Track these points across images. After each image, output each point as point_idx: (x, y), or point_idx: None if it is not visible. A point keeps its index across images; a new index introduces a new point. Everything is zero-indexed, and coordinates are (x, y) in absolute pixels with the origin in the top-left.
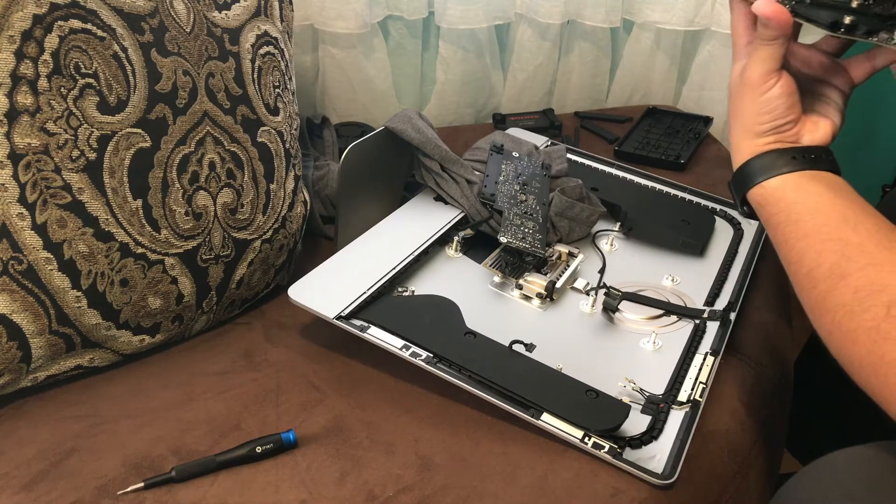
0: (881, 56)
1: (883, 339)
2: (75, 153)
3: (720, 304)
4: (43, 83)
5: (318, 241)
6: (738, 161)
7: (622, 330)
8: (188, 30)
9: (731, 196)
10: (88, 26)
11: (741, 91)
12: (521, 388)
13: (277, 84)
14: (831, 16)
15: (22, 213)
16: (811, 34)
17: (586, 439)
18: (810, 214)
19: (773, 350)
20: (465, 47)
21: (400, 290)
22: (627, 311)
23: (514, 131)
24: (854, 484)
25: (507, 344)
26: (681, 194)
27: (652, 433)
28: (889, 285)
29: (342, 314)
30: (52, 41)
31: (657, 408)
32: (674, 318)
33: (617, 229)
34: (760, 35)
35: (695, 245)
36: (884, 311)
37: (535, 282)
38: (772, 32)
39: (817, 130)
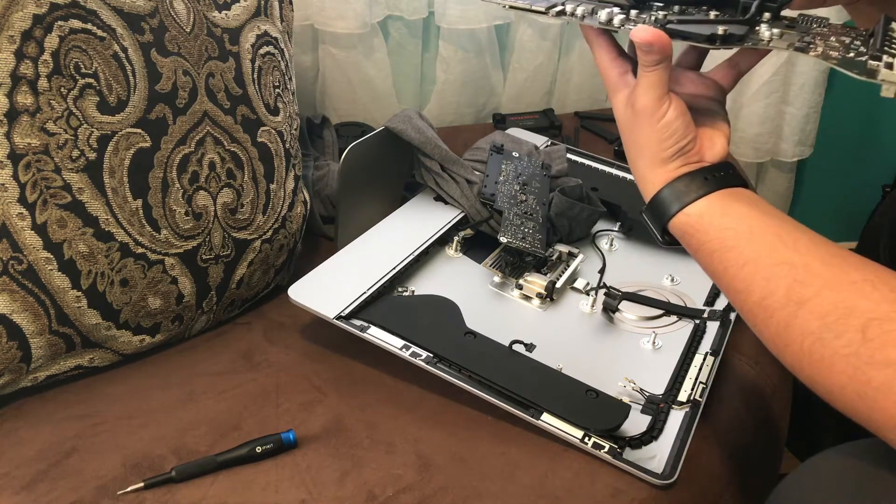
0: (744, 60)
1: (866, 364)
2: (75, 153)
3: (720, 304)
4: (43, 83)
5: (318, 241)
6: (649, 192)
7: (622, 330)
8: (188, 30)
9: (648, 227)
10: (88, 26)
11: (636, 122)
12: (521, 388)
13: (277, 84)
14: (706, 29)
15: (22, 213)
16: None
17: (586, 439)
18: (746, 239)
19: None
20: (465, 47)
21: (400, 290)
22: (627, 311)
23: (514, 131)
24: (850, 480)
25: (507, 344)
26: None
27: (652, 433)
28: (855, 307)
29: (342, 314)
30: (52, 41)
31: (657, 408)
32: (674, 318)
33: (617, 229)
34: (644, 62)
35: None
36: (859, 336)
37: (535, 282)
38: (655, 57)
39: (715, 145)
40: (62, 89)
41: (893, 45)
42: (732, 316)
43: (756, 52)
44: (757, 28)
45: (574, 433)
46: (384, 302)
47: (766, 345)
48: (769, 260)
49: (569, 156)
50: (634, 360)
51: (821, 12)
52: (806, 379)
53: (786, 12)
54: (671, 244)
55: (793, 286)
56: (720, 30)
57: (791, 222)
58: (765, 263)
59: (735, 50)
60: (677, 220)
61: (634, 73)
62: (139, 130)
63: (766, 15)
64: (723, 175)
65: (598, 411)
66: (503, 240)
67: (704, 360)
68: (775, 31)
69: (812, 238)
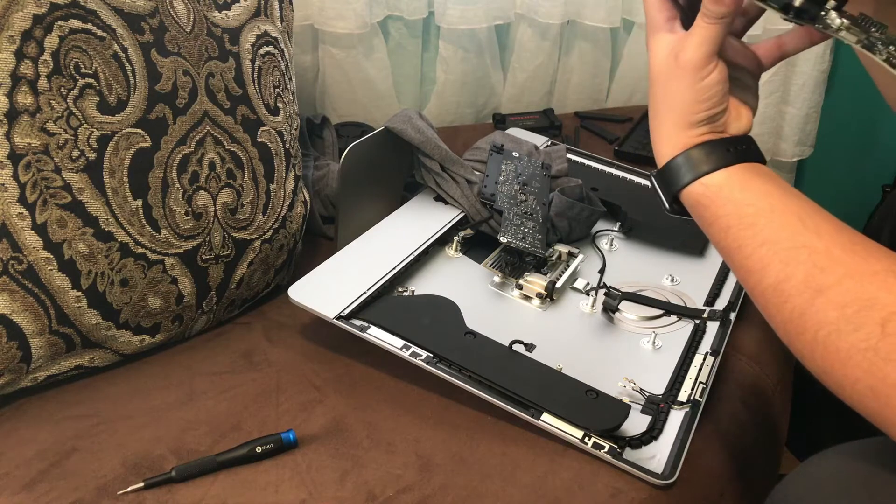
0: (792, 42)
1: (883, 360)
2: (75, 153)
3: (720, 304)
4: (43, 83)
5: (318, 241)
6: (666, 154)
7: (622, 330)
8: (188, 30)
9: (656, 192)
10: (88, 26)
11: (675, 74)
12: (521, 388)
13: (277, 84)
14: None
15: (22, 213)
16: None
17: (586, 439)
18: (765, 218)
19: (773, 350)
20: (465, 47)
21: (400, 290)
22: (627, 311)
23: (514, 131)
24: (849, 479)
25: (507, 344)
26: None
27: (652, 433)
28: (877, 300)
29: (342, 314)
30: (52, 41)
31: (657, 408)
32: (674, 318)
33: (617, 229)
34: (708, 12)
35: (695, 245)
36: (878, 330)
37: (535, 282)
38: (723, 10)
39: (741, 118)
40: (62, 89)
41: None
42: (732, 316)
43: (806, 37)
44: (825, 10)
45: (574, 433)
46: (384, 302)
47: (776, 330)
48: (789, 242)
49: (569, 156)
50: (634, 360)
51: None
52: (816, 369)
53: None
54: (678, 214)
55: (812, 272)
56: (797, 1)
57: (812, 204)
58: (784, 245)
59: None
60: (692, 190)
61: (682, 23)
62: (139, 130)
63: (832, 2)
64: (744, 149)
65: (598, 411)
66: (503, 240)
67: (704, 360)
68: (844, 20)
69: (834, 223)
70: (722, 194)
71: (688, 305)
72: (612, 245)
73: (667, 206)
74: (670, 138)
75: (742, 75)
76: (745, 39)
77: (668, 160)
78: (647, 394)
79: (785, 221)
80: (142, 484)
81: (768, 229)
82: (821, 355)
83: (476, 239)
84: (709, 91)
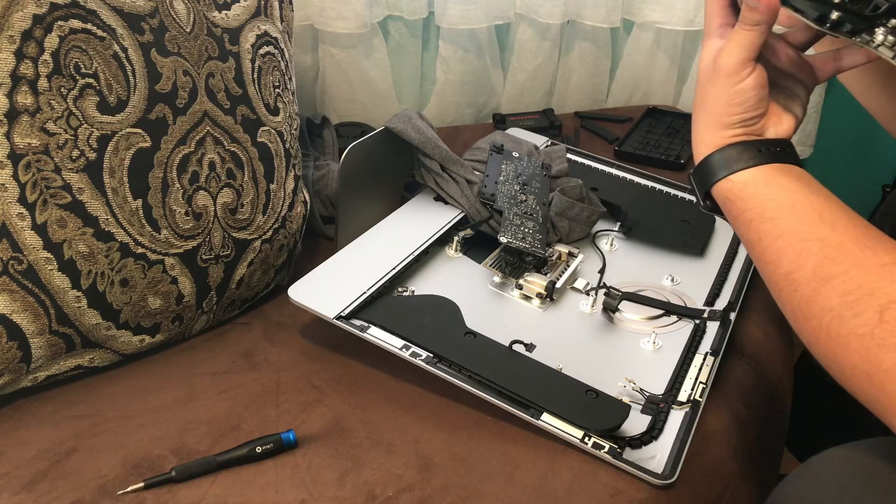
0: (848, 58)
1: (878, 346)
2: (75, 153)
3: (720, 304)
4: (43, 83)
5: (318, 241)
6: (701, 153)
7: (622, 330)
8: (188, 30)
9: (692, 189)
10: (88, 26)
11: (712, 77)
12: (521, 388)
13: (277, 84)
14: (819, 8)
15: (22, 213)
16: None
17: (586, 439)
18: (785, 212)
19: (773, 350)
20: (465, 47)
21: (400, 290)
22: (627, 311)
23: (514, 131)
24: (850, 479)
25: (507, 344)
26: (681, 194)
27: (652, 433)
28: (878, 289)
29: (342, 314)
30: (52, 41)
31: (657, 408)
32: (674, 318)
33: (617, 229)
34: (744, 18)
35: (695, 245)
36: (876, 317)
37: (535, 282)
38: (757, 17)
39: (781, 124)
40: (62, 89)
41: None
42: (732, 316)
43: (862, 53)
44: (875, 29)
45: (574, 433)
46: (384, 302)
47: (788, 318)
48: (804, 234)
49: (569, 156)
50: (634, 360)
51: None
52: (821, 356)
53: None
54: (712, 210)
55: (822, 262)
56: (833, 14)
57: (836, 202)
58: (799, 237)
59: (846, 42)
60: (721, 186)
61: None
62: (139, 130)
63: (893, 22)
64: (778, 151)
65: (598, 411)
66: (503, 240)
67: (704, 360)
68: (891, 38)
69: (853, 219)
70: (747, 189)
71: (688, 305)
72: (612, 245)
73: (701, 202)
74: (706, 138)
75: (793, 85)
76: None
77: (702, 158)
78: (647, 394)
79: (803, 216)
80: (142, 484)
81: (786, 223)
82: (824, 341)
83: (476, 239)
84: (743, 95)
